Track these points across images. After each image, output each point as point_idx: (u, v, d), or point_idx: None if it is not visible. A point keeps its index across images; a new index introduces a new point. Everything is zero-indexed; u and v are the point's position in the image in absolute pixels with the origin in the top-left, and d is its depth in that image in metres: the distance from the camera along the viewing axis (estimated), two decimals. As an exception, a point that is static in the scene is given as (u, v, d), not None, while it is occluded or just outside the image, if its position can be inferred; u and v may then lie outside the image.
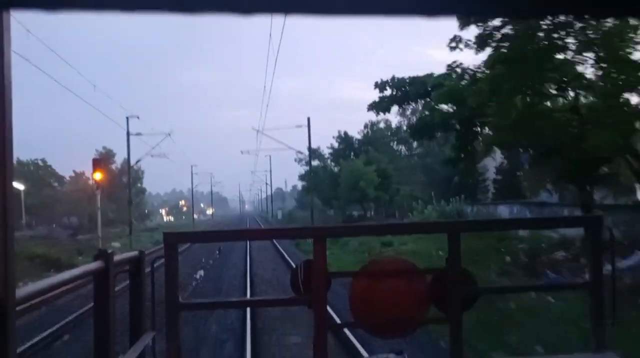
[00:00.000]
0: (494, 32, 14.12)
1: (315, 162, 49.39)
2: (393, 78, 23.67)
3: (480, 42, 14.61)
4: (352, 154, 44.95)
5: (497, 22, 13.88)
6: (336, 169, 43.85)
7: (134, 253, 4.01)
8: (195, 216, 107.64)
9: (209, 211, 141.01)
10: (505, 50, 14.10)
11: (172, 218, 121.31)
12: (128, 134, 40.13)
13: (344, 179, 39.34)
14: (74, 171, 68.08)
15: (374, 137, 49.77)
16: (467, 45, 15.06)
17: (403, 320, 3.53)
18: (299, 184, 71.48)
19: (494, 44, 14.25)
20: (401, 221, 31.18)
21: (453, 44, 14.98)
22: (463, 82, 16.13)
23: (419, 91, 19.58)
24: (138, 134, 41.85)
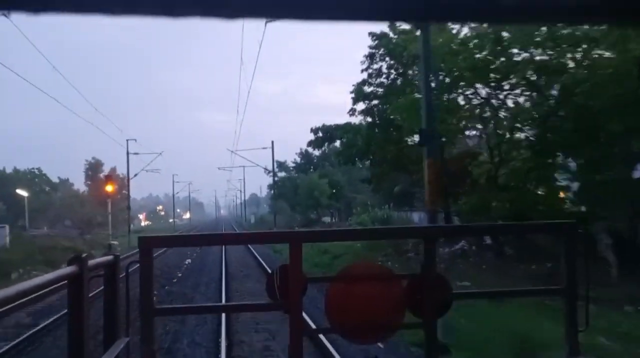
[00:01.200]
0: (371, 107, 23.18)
1: (282, 174, 57.91)
2: (323, 126, 33.74)
3: (365, 112, 23.52)
4: (311, 167, 53.56)
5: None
6: (298, 181, 52.60)
7: (109, 257, 3.99)
8: (171, 221, 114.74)
9: (186, 216, 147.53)
10: (370, 119, 23.72)
11: (149, 223, 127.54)
12: (128, 154, 48.04)
13: (302, 189, 47.99)
14: (59, 178, 75.52)
15: (330, 153, 57.28)
16: (360, 113, 24.11)
17: (379, 326, 3.55)
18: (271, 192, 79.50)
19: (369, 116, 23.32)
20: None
21: (350, 113, 23.96)
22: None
23: (337, 135, 28.87)
24: (136, 154, 49.64)
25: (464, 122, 19.11)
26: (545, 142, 15.83)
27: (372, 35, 21.46)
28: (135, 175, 50.20)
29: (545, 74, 15.69)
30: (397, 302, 3.48)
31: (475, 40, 16.26)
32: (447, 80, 16.85)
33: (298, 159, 57.58)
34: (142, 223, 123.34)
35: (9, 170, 66.70)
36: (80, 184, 75.11)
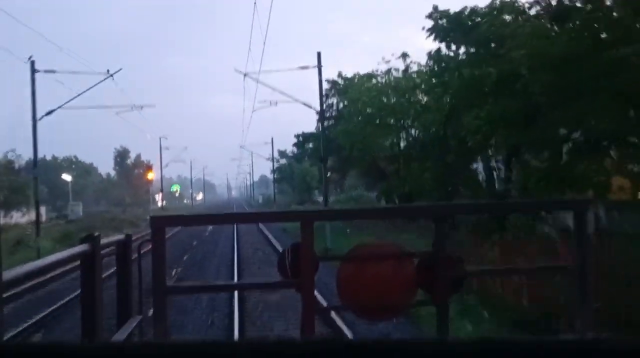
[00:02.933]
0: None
1: (284, 160, 69.68)
2: (302, 133, 44.02)
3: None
4: (306, 156, 64.86)
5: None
6: (294, 168, 63.95)
7: (121, 236, 4.06)
8: (186, 201, 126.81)
9: (199, 197, 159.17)
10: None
11: (165, 203, 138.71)
12: (160, 150, 59.68)
13: (297, 175, 59.42)
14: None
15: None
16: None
17: (390, 304, 3.59)
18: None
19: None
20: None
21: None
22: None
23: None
24: (166, 148, 60.67)
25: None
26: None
27: (327, 81, 32.59)
28: (167, 165, 61.99)
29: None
30: (408, 280, 3.50)
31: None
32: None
33: (296, 149, 68.60)
34: (159, 204, 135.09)
35: (48, 157, 79.19)
36: (104, 169, 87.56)
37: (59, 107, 21.61)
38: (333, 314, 8.61)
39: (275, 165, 64.29)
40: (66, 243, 21.03)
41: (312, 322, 3.55)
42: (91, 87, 22.37)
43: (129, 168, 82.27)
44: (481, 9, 16.23)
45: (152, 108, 36.79)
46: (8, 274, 2.04)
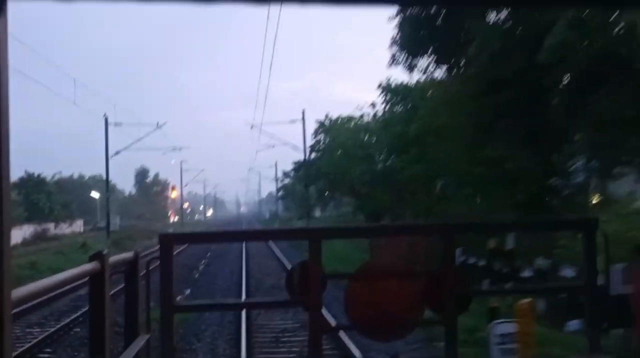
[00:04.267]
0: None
1: (287, 180, 78.73)
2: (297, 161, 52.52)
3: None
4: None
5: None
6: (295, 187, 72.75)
7: (129, 254, 4.07)
8: (197, 217, 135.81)
9: (209, 213, 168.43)
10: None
11: (177, 219, 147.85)
12: (181, 171, 68.47)
13: (297, 194, 68.43)
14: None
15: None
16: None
17: (398, 322, 3.61)
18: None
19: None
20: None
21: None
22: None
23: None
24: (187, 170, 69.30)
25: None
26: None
27: (316, 121, 39.33)
28: (186, 184, 70.92)
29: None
30: (416, 298, 3.51)
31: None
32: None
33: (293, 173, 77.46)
34: (171, 220, 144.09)
35: (75, 175, 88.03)
36: (125, 186, 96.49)
37: (124, 149, 30.45)
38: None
39: (280, 184, 73.00)
40: (119, 247, 29.41)
41: (319, 341, 3.53)
42: (145, 136, 31.20)
43: (148, 186, 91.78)
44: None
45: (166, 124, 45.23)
46: (18, 292, 2.04)
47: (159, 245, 3.42)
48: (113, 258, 3.42)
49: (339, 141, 34.88)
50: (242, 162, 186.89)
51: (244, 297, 14.76)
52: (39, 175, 48.89)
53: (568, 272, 10.42)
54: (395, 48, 16.83)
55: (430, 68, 16.97)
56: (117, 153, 29.68)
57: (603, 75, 11.37)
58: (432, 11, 15.08)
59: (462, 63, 13.93)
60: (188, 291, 15.73)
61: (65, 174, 65.76)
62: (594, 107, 11.66)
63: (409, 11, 16.06)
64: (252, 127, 36.29)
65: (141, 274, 4.08)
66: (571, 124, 12.02)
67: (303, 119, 33.83)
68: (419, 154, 20.49)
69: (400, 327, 3.67)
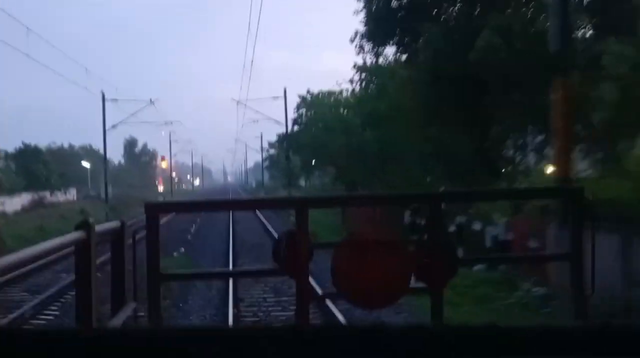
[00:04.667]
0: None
1: (272, 150, 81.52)
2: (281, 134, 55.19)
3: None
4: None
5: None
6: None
7: (116, 223, 4.02)
8: (185, 186, 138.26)
9: (196, 182, 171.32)
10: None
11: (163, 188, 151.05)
12: (170, 142, 70.85)
13: (282, 164, 71.36)
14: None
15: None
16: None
17: (385, 291, 3.61)
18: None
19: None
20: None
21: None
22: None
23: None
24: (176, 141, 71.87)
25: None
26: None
27: (299, 96, 42.53)
28: (175, 155, 73.29)
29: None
30: (403, 267, 3.52)
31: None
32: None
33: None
34: (159, 188, 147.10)
35: (65, 145, 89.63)
36: (114, 156, 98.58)
37: (120, 122, 32.91)
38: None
39: (266, 154, 75.66)
40: (116, 213, 31.98)
41: (306, 309, 3.60)
42: (139, 111, 33.68)
43: (137, 156, 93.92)
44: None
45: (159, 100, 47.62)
46: (2, 261, 2.06)
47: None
48: (99, 227, 3.38)
49: (319, 115, 37.47)
50: (229, 133, 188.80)
51: (231, 251, 17.35)
52: (35, 146, 51.07)
53: (490, 230, 13.31)
54: (360, 39, 19.34)
55: (392, 56, 19.63)
56: (113, 126, 32.10)
57: (521, 72, 14.10)
58: (394, 5, 17.65)
59: (415, 55, 16.58)
60: (182, 249, 18.40)
61: (56, 144, 67.64)
62: (516, 97, 14.44)
63: (374, 7, 18.57)
64: (237, 102, 38.64)
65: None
66: (499, 112, 14.78)
67: (285, 96, 36.49)
68: (387, 130, 23.18)
69: (387, 295, 3.69)
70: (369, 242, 3.67)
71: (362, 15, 18.47)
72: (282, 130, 45.17)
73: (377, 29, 17.84)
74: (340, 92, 37.83)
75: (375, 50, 20.02)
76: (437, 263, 3.52)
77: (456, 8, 15.41)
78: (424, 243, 3.79)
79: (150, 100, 34.45)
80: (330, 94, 39.79)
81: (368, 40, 19.49)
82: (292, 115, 42.08)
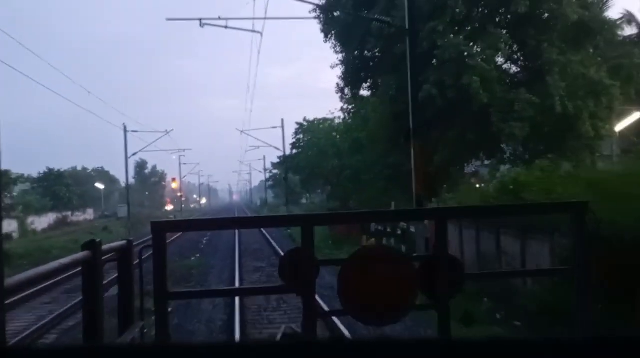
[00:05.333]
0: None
1: (275, 171, 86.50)
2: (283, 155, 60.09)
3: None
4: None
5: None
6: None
7: (122, 242, 4.05)
8: (193, 205, 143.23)
9: (203, 201, 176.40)
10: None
11: (172, 207, 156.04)
12: (180, 165, 75.87)
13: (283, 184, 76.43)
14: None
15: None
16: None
17: (391, 307, 3.61)
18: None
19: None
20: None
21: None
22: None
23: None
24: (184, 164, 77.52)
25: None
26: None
27: (296, 123, 47.63)
28: (185, 176, 78.41)
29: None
30: (409, 283, 3.54)
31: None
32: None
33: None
34: (167, 208, 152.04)
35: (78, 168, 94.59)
36: (123, 177, 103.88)
37: (140, 151, 37.79)
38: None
39: (269, 174, 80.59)
40: (135, 230, 36.58)
41: (313, 326, 3.59)
42: (155, 141, 38.54)
43: (147, 177, 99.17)
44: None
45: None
46: (11, 281, 2.05)
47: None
48: (106, 247, 3.42)
49: (314, 140, 42.31)
50: (234, 156, 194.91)
51: (237, 253, 21.87)
52: (58, 170, 56.10)
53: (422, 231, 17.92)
54: (341, 83, 24.21)
55: (367, 95, 24.51)
56: (134, 154, 37.01)
57: (453, 113, 18.86)
58: (367, 54, 22.52)
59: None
60: (198, 255, 23.04)
61: (69, 166, 72.74)
62: (450, 132, 19.21)
63: (351, 59, 23.47)
64: (241, 132, 43.56)
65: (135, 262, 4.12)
66: (439, 143, 19.53)
67: (282, 126, 41.40)
68: (365, 156, 27.94)
69: (393, 311, 3.66)
70: (375, 259, 3.68)
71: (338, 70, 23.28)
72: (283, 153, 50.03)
73: (352, 77, 22.75)
74: (333, 120, 42.66)
75: (353, 92, 24.86)
76: (443, 279, 3.51)
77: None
78: (429, 259, 3.75)
79: (166, 131, 39.24)
80: (324, 120, 44.67)
81: (346, 85, 24.34)
82: (291, 139, 46.88)
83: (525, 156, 20.43)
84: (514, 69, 21.03)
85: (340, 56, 23.68)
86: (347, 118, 36.24)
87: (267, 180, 77.30)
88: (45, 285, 13.62)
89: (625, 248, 6.82)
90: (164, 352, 0.83)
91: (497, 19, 19.87)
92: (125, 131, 35.52)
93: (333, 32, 23.08)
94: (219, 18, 16.37)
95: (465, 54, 18.41)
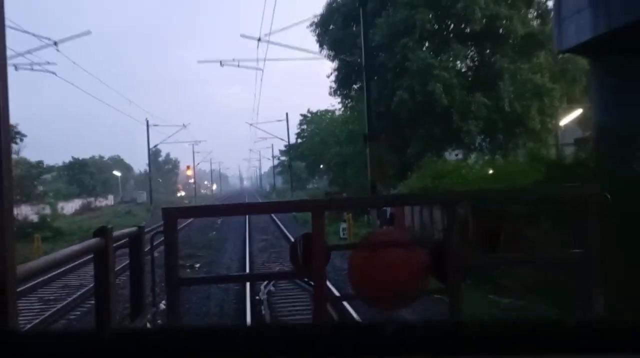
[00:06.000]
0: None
1: (284, 157, 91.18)
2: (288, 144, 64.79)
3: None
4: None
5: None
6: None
7: (133, 229, 4.11)
8: (203, 191, 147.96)
9: (214, 187, 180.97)
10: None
11: (184, 193, 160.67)
12: (193, 154, 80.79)
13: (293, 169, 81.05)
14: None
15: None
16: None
17: (402, 292, 3.64)
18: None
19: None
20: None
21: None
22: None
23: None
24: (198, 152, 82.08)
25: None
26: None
27: (301, 114, 52.52)
28: (198, 164, 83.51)
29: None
30: (419, 268, 3.55)
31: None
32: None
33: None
34: (179, 194, 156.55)
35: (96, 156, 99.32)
36: (138, 166, 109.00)
37: (161, 142, 42.49)
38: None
39: (278, 161, 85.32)
40: (156, 214, 41.16)
41: (324, 311, 3.63)
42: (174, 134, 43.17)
43: (160, 164, 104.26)
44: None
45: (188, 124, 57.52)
46: (23, 268, 2.04)
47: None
48: (117, 233, 3.48)
49: (317, 130, 46.79)
50: (244, 142, 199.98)
51: (247, 231, 26.44)
52: (82, 159, 61.13)
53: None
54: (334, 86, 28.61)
55: (355, 95, 28.93)
56: (155, 146, 41.67)
57: (422, 114, 23.24)
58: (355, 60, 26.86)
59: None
60: (214, 232, 27.58)
61: (87, 155, 77.99)
62: (420, 129, 23.62)
63: (341, 66, 27.86)
64: (250, 125, 48.17)
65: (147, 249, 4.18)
66: (412, 139, 23.94)
67: (287, 120, 45.94)
68: (356, 146, 32.27)
69: (403, 296, 3.71)
70: (385, 244, 3.76)
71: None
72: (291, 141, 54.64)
73: (343, 81, 27.20)
74: (334, 112, 47.07)
75: (344, 92, 29.28)
76: (454, 263, 3.51)
77: (387, 75, 24.58)
78: (441, 244, 3.72)
79: (183, 124, 43.83)
80: (327, 112, 49.09)
81: (338, 87, 28.76)
82: (296, 129, 51.30)
83: (486, 147, 24.80)
84: (471, 75, 25.29)
85: (332, 63, 27.95)
86: (344, 112, 40.55)
87: (275, 166, 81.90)
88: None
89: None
90: (175, 335, 0.85)
91: (459, 35, 24.14)
92: (148, 126, 40.12)
93: (326, 44, 27.42)
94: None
95: (431, 65, 22.73)
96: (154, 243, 4.39)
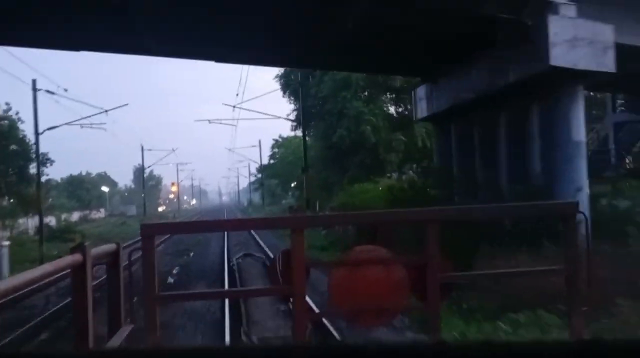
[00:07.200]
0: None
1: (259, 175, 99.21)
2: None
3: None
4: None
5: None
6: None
7: (112, 245, 4.11)
8: (184, 206, 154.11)
9: (193, 202, 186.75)
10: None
11: (165, 208, 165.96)
12: (177, 172, 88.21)
13: (266, 187, 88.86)
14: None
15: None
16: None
17: (382, 309, 3.67)
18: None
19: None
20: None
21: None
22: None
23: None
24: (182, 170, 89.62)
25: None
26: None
27: (273, 139, 60.61)
28: (182, 181, 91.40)
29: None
30: (399, 285, 3.57)
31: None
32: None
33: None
34: (159, 209, 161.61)
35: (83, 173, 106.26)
36: (121, 181, 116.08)
37: (153, 164, 50.24)
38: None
39: (255, 178, 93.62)
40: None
41: (304, 328, 3.62)
42: (164, 157, 50.93)
43: (145, 181, 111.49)
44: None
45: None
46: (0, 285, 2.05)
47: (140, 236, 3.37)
48: (95, 250, 3.45)
49: (286, 153, 55.12)
50: (224, 161, 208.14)
51: (225, 235, 34.33)
52: (80, 174, 68.87)
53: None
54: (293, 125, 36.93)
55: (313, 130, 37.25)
56: (149, 167, 49.47)
57: (356, 148, 31.61)
58: (311, 104, 35.23)
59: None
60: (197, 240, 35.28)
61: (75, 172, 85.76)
62: (355, 159, 32.02)
63: (299, 109, 36.21)
64: (230, 150, 56.42)
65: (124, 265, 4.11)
66: (350, 167, 32.33)
67: (259, 146, 54.66)
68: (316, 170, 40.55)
69: (384, 312, 3.70)
70: (365, 260, 3.73)
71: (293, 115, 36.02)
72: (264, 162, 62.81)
73: (301, 120, 35.55)
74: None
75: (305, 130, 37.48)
76: (434, 281, 3.52)
77: (332, 118, 32.88)
78: (420, 262, 3.72)
79: (172, 149, 51.70)
80: (296, 137, 57.46)
81: (297, 127, 37.00)
82: (269, 152, 59.48)
83: (404, 172, 33.23)
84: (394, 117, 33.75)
85: (293, 106, 36.36)
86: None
87: (251, 183, 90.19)
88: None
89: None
90: (153, 355, 0.83)
91: (386, 89, 32.69)
92: (142, 150, 47.98)
93: (288, 91, 35.91)
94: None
95: (362, 112, 31.18)
96: (132, 259, 4.26)
